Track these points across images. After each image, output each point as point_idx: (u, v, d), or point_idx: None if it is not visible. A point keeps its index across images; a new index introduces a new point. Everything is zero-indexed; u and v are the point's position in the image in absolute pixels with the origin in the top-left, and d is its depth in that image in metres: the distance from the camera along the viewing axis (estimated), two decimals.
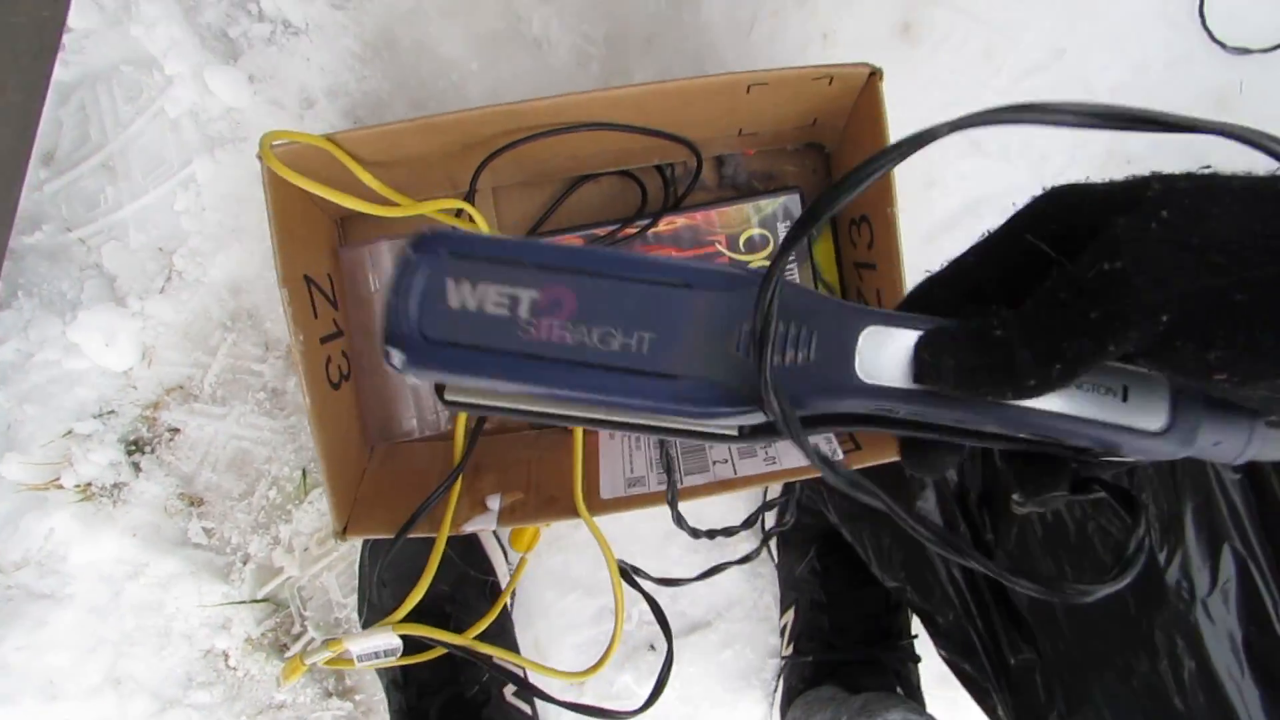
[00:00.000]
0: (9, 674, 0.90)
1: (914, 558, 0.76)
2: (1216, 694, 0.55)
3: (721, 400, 0.29)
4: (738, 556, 0.90)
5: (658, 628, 0.91)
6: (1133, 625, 0.61)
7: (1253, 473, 0.55)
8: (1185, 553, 0.59)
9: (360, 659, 0.73)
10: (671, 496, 0.65)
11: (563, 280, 0.29)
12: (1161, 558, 0.60)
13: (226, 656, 0.92)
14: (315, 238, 0.73)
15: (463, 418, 0.73)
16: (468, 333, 0.29)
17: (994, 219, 0.84)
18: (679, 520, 0.66)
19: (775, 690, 0.91)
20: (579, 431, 0.71)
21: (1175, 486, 0.59)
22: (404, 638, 0.78)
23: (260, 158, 0.61)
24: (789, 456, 0.70)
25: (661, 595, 0.91)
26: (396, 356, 0.29)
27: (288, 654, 0.92)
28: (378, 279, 0.75)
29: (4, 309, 0.83)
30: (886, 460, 0.67)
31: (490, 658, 0.68)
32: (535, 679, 0.89)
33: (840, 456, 0.69)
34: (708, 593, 0.91)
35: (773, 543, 0.89)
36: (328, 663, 0.75)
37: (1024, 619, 0.70)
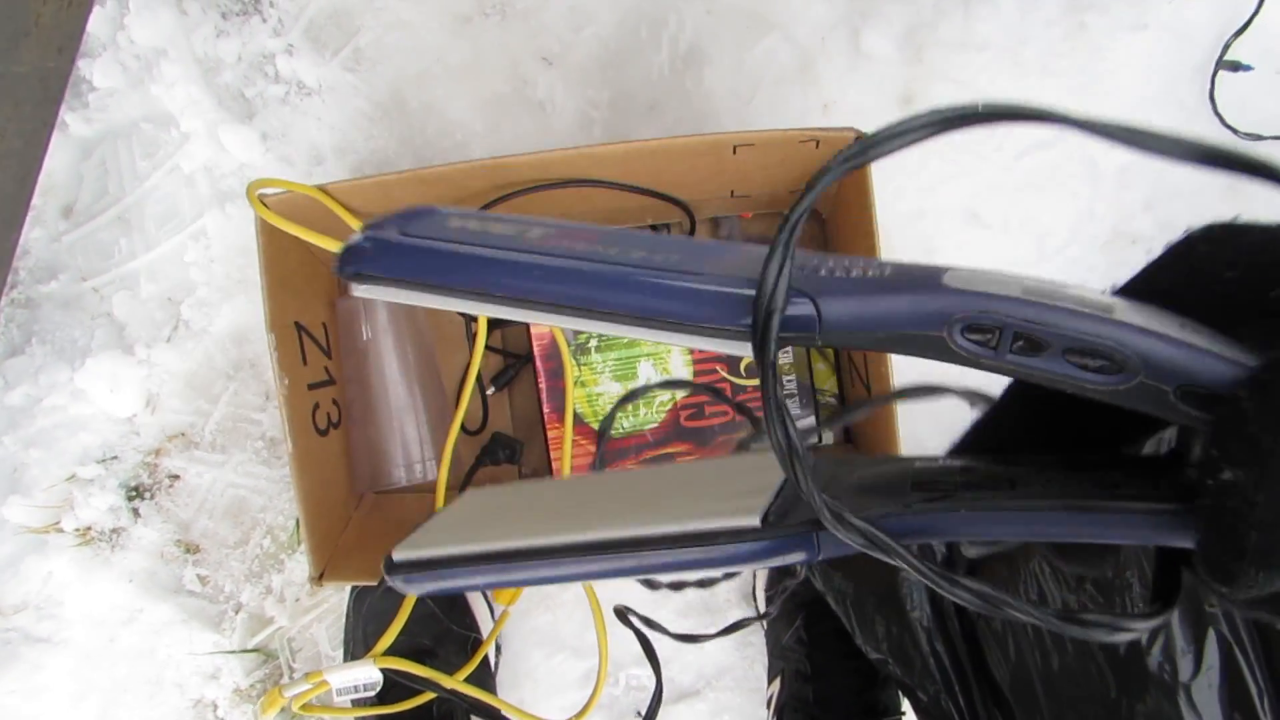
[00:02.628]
0: (1, 717, 0.90)
1: (896, 628, 0.74)
2: None
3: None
4: (726, 623, 0.89)
5: (644, 694, 0.89)
6: (1114, 708, 0.59)
7: None
8: (1169, 635, 0.56)
9: (339, 692, 0.73)
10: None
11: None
12: (1144, 639, 0.58)
13: (215, 707, 0.92)
14: (312, 288, 0.74)
15: (446, 463, 0.73)
16: (456, 236, 0.25)
17: None
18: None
19: None
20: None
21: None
22: (386, 687, 0.78)
23: (253, 202, 0.63)
24: None
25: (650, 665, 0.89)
26: (364, 247, 0.25)
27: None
28: (370, 330, 0.76)
29: (17, 355, 0.86)
30: None
31: (474, 699, 0.67)
32: None
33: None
34: (696, 660, 0.90)
35: (762, 607, 0.87)
36: (302, 706, 0.75)
37: (1004, 697, 0.68)
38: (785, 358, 0.79)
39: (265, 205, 0.64)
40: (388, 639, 0.68)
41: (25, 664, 0.90)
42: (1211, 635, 0.55)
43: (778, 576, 0.86)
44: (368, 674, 0.72)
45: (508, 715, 0.69)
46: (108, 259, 0.87)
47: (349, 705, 0.74)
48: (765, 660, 0.89)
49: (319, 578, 0.68)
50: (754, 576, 0.89)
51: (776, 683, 0.84)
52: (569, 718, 0.67)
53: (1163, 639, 0.57)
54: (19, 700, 0.90)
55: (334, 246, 0.66)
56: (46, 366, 0.86)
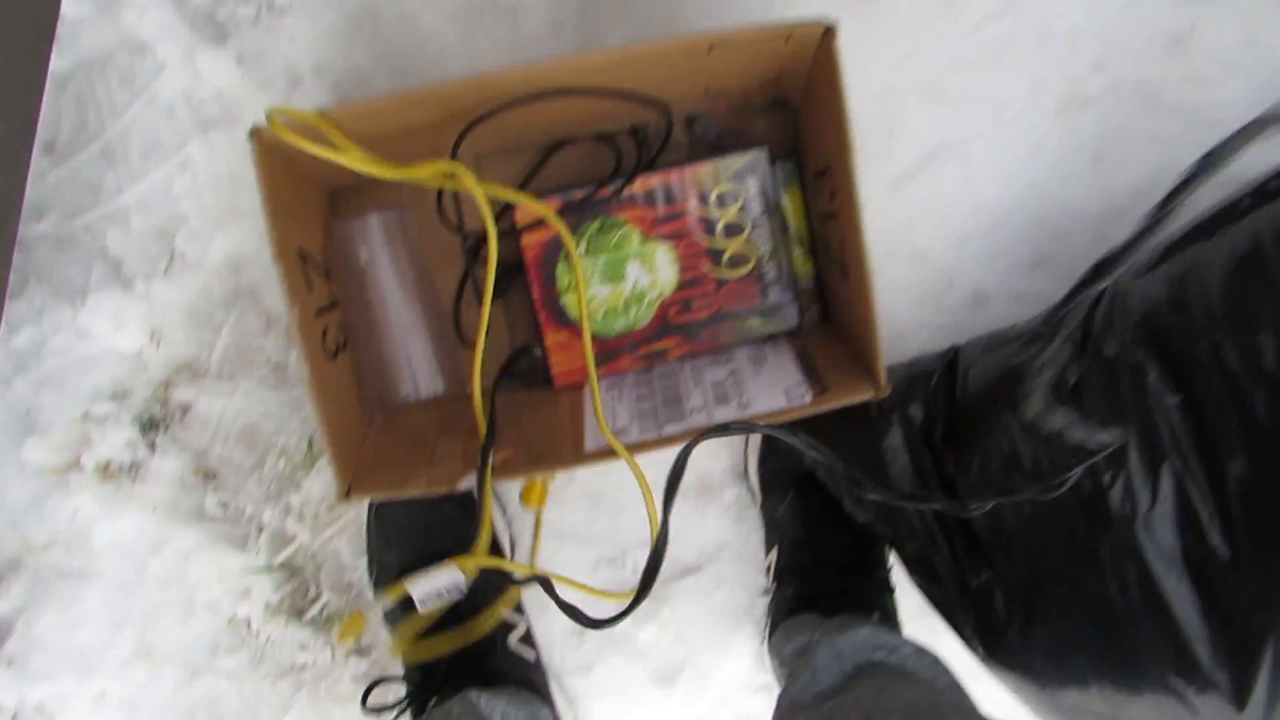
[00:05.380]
0: (45, 651, 0.94)
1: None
2: (1156, 600, 0.59)
3: None
4: (723, 502, 0.94)
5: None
6: (1080, 544, 0.65)
7: (1190, 398, 0.58)
8: (1128, 474, 0.62)
9: (423, 601, 0.77)
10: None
11: None
12: (1106, 479, 0.63)
13: (249, 623, 0.96)
14: (307, 213, 0.76)
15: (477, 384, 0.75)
16: None
17: (956, 165, 0.86)
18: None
19: (765, 628, 0.95)
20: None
21: (1119, 411, 0.62)
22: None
23: (250, 136, 0.64)
24: (761, 402, 0.73)
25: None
26: None
27: (305, 617, 0.96)
28: (368, 251, 0.79)
29: (17, 298, 0.87)
30: (855, 400, 0.70)
31: (547, 580, 0.70)
32: (538, 626, 0.93)
33: (808, 399, 0.72)
34: (698, 538, 0.95)
35: (755, 484, 0.92)
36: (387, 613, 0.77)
37: (982, 543, 0.74)
38: (765, 246, 0.82)
39: (281, 129, 0.64)
40: (485, 535, 0.71)
41: (61, 599, 0.94)
42: (1165, 469, 0.61)
43: (769, 454, 0.91)
44: (451, 577, 0.76)
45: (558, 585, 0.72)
46: (95, 195, 0.87)
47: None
48: (761, 532, 0.95)
49: (346, 493, 0.69)
50: (745, 456, 0.94)
51: (774, 551, 0.90)
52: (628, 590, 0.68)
53: (1123, 477, 0.62)
54: (61, 635, 0.94)
55: (346, 159, 0.67)
56: (48, 308, 0.88)
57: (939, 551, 0.75)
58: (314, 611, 0.96)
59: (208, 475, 0.93)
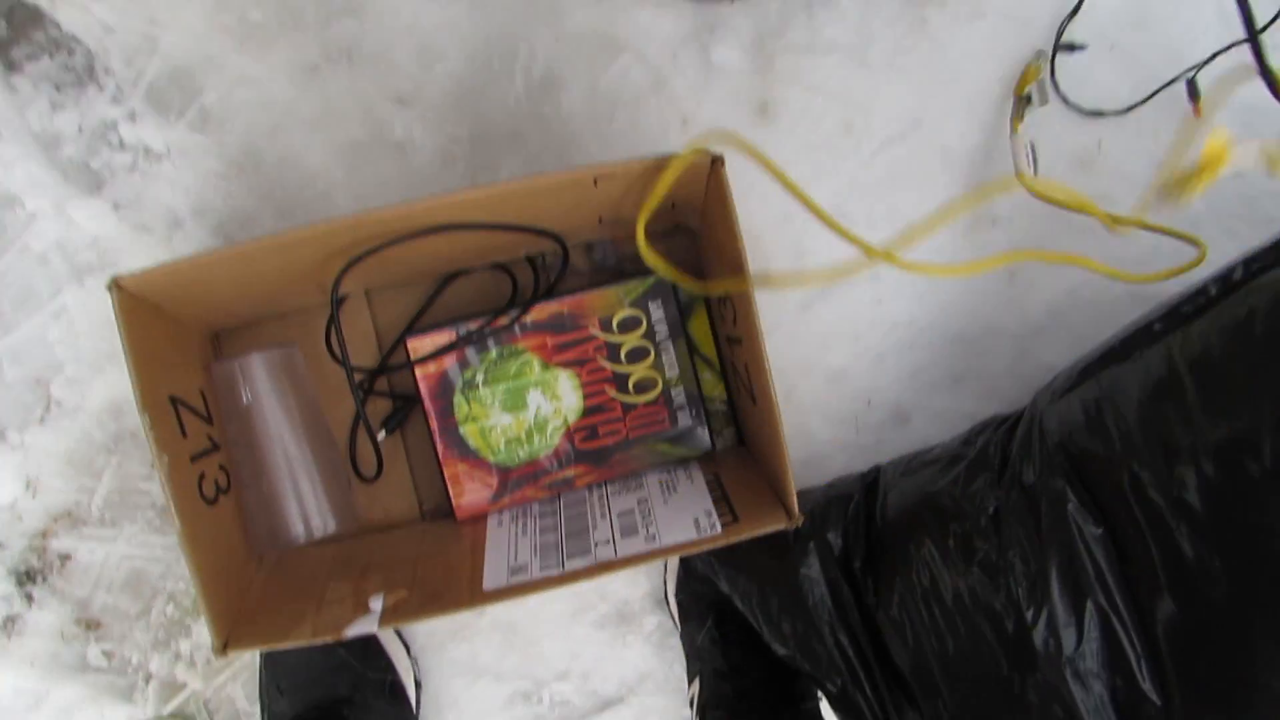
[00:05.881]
0: None
1: (802, 625, 0.76)
2: None
3: None
4: (644, 628, 0.91)
5: (570, 709, 0.91)
6: (1006, 685, 0.62)
7: (1112, 529, 0.56)
8: (1051, 611, 0.60)
9: None
10: None
11: None
12: (1029, 616, 0.61)
13: None
14: (183, 357, 0.73)
15: None
16: None
17: (867, 285, 0.84)
18: None
19: None
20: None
21: (1041, 545, 0.60)
22: None
23: (110, 288, 0.61)
24: (670, 533, 0.71)
25: (573, 676, 0.91)
26: None
27: None
28: (250, 391, 0.75)
29: None
30: (766, 530, 0.67)
31: None
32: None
33: (719, 530, 0.69)
34: (618, 669, 0.91)
35: (675, 611, 0.89)
36: None
37: (907, 681, 0.71)
38: (672, 371, 0.80)
39: (125, 292, 0.62)
40: None
41: None
42: (1089, 606, 0.59)
43: (686, 580, 0.88)
44: None
45: None
46: None
47: None
48: (684, 662, 0.91)
49: (223, 648, 0.66)
50: (665, 581, 0.91)
51: (697, 682, 0.86)
52: None
53: (1046, 615, 0.60)
54: None
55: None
56: None
57: (860, 689, 0.72)
58: None
59: (90, 625, 0.88)
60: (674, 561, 0.90)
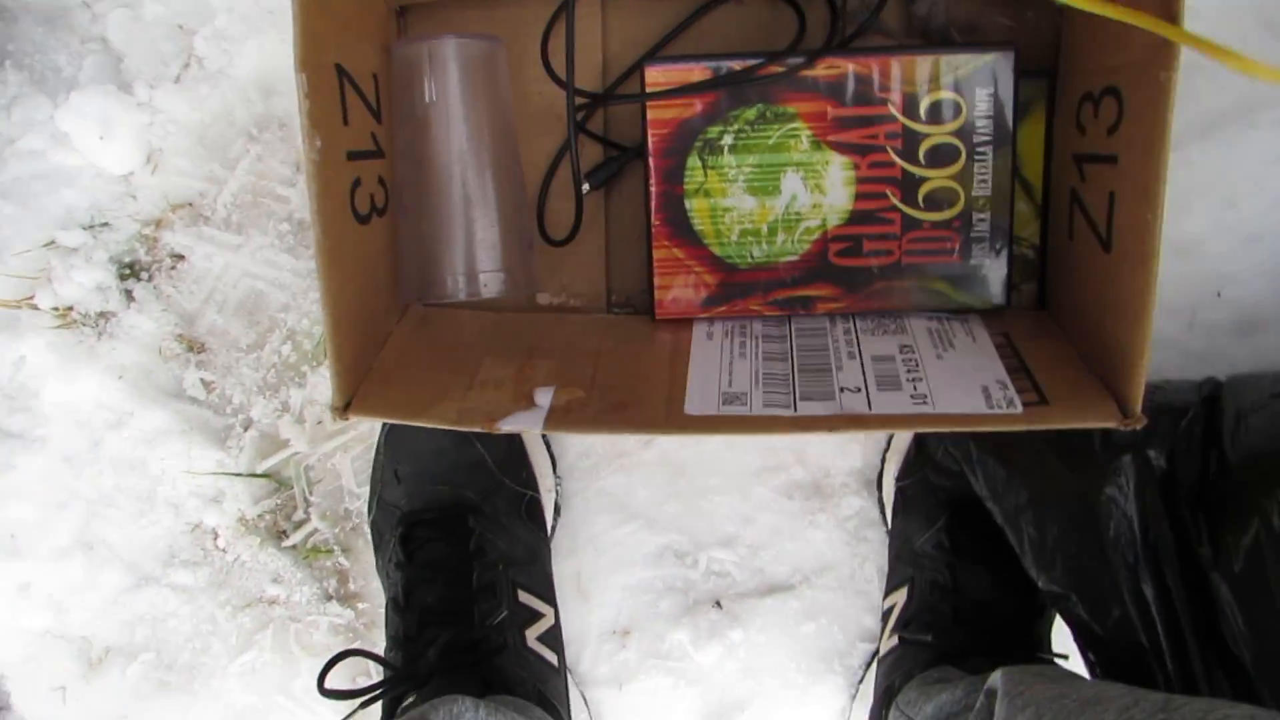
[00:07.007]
0: None
1: (1088, 560, 0.58)
2: None
3: None
4: (841, 511, 0.74)
5: (726, 581, 0.75)
6: None
7: None
8: None
9: None
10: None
11: None
12: None
13: (215, 535, 0.80)
14: (363, 21, 0.57)
15: None
16: None
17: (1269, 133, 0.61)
18: None
19: (860, 682, 0.74)
20: None
21: None
22: (405, 541, 0.64)
23: None
24: (946, 399, 0.53)
25: (739, 545, 0.75)
26: None
27: (285, 542, 0.78)
28: (436, 87, 0.57)
29: None
30: (1089, 425, 0.50)
31: None
32: (569, 620, 0.74)
33: (1019, 410, 0.51)
34: (796, 550, 0.75)
35: (890, 500, 0.71)
36: None
37: (1241, 670, 0.52)
38: (983, 187, 0.59)
39: None
40: None
41: None
42: None
43: (917, 464, 0.69)
44: None
45: None
46: None
47: None
48: (882, 562, 0.73)
49: (344, 409, 0.53)
50: (883, 461, 0.72)
51: (902, 592, 0.69)
52: None
53: None
54: None
55: None
56: (23, 97, 0.71)
57: (1161, 663, 0.54)
58: (297, 538, 0.79)
59: (193, 346, 0.76)
60: (902, 436, 0.71)
